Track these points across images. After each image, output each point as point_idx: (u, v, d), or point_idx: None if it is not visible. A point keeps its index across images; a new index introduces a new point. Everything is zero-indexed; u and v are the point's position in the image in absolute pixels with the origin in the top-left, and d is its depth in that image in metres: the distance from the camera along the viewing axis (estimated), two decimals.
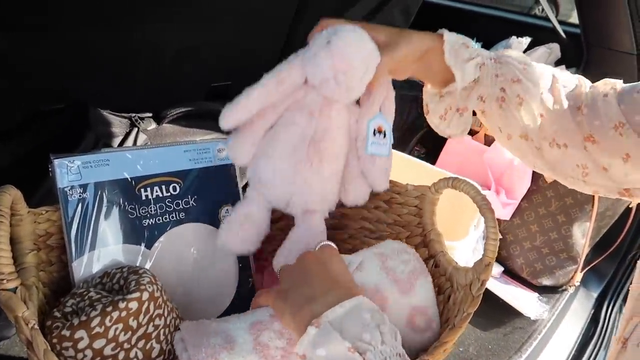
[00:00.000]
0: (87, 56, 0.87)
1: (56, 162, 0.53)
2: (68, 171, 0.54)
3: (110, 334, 0.45)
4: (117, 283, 0.51)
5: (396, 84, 0.60)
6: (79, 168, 0.54)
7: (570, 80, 0.56)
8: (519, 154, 0.59)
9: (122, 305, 0.46)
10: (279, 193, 0.56)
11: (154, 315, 0.49)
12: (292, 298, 0.45)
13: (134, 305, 0.47)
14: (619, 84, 0.53)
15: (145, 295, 0.48)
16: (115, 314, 0.45)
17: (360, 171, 0.57)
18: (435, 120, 0.60)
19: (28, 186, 0.53)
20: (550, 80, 0.55)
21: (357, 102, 0.57)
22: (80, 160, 0.54)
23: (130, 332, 0.47)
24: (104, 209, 0.55)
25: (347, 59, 0.49)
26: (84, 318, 0.45)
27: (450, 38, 0.54)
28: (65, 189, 0.54)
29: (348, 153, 0.57)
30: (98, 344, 0.45)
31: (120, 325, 0.46)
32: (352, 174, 0.58)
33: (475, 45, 0.56)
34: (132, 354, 0.47)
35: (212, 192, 0.63)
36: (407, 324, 0.53)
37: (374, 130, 0.56)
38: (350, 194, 0.59)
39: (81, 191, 0.54)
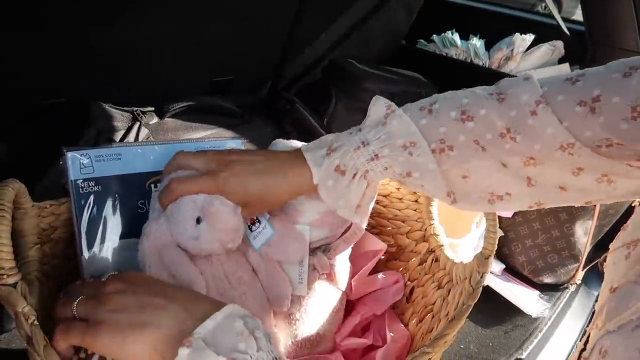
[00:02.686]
0: (88, 52, 0.87)
1: (69, 154, 0.54)
2: (81, 164, 0.54)
3: None
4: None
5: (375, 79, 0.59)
6: (92, 161, 0.55)
7: (476, 105, 0.47)
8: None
9: None
10: None
11: None
12: (142, 317, 0.38)
13: None
14: (537, 92, 0.45)
15: None
16: None
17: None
18: None
19: (30, 180, 0.53)
20: (453, 130, 0.48)
21: None
22: (92, 153, 0.55)
23: None
24: (114, 203, 0.56)
25: (223, 236, 0.50)
26: None
27: (321, 175, 0.49)
28: (77, 182, 0.54)
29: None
30: None
31: None
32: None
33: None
34: None
35: None
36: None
37: (249, 227, 0.56)
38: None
39: (93, 184, 0.54)
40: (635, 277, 0.36)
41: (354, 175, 0.49)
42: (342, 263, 0.61)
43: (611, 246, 0.43)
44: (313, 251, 0.56)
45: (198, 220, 0.49)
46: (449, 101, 0.49)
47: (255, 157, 0.51)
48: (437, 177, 0.48)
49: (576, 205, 0.51)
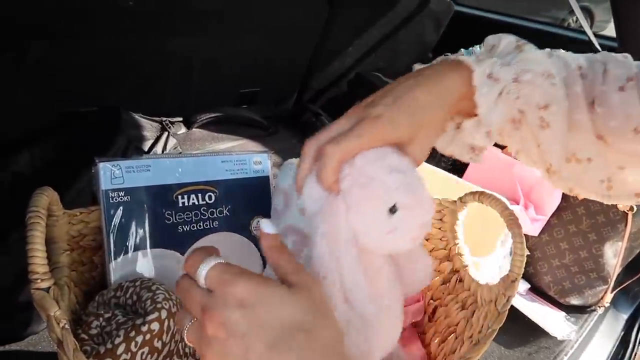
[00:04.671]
0: (121, 63, 0.89)
1: (100, 165, 0.55)
2: (112, 175, 0.55)
3: (138, 358, 0.45)
4: (130, 298, 0.51)
5: None
6: (122, 172, 0.56)
7: (591, 65, 0.46)
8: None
9: (144, 328, 0.46)
10: None
11: (174, 331, 0.49)
12: None
13: (155, 326, 0.47)
14: (632, 70, 0.44)
15: (164, 314, 0.48)
16: (139, 338, 0.46)
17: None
18: None
19: (61, 186, 0.54)
20: (576, 84, 0.46)
21: None
22: (123, 164, 0.56)
23: (156, 354, 0.47)
24: (142, 213, 0.57)
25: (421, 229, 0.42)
26: (109, 346, 0.45)
27: (480, 78, 0.44)
28: (108, 192, 0.55)
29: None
30: None
31: (146, 349, 0.46)
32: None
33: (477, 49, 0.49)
34: None
35: (246, 203, 0.64)
36: None
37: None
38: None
39: (122, 194, 0.56)
40: None
41: (501, 90, 0.44)
42: None
43: None
44: None
45: (392, 210, 0.40)
46: (565, 54, 0.48)
47: (397, 82, 0.44)
48: (581, 108, 0.45)
49: (630, 203, 0.48)
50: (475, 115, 0.45)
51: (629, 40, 1.25)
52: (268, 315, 0.31)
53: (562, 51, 0.48)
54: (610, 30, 1.35)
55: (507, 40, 0.47)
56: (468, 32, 1.67)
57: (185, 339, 0.34)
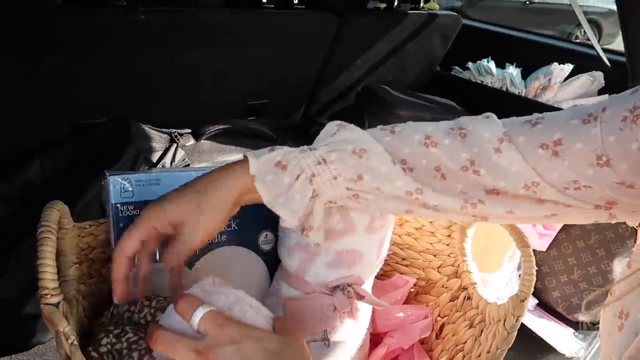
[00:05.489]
0: (131, 75, 0.90)
1: (110, 178, 0.55)
2: (122, 188, 0.56)
3: None
4: (144, 318, 0.51)
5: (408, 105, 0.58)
6: (132, 186, 0.56)
7: (440, 135, 0.46)
8: None
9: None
10: None
11: None
12: None
13: None
14: (499, 131, 0.44)
15: None
16: None
17: None
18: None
19: (71, 197, 0.55)
20: (422, 159, 0.46)
21: None
22: (133, 178, 0.56)
23: None
24: None
25: None
26: None
27: (259, 167, 0.46)
28: (117, 205, 0.55)
29: None
30: None
31: None
32: None
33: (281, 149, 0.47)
34: None
35: (254, 217, 0.64)
36: None
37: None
38: None
39: (132, 208, 0.56)
40: (635, 352, 0.35)
41: (298, 175, 0.45)
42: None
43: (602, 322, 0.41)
44: (332, 290, 0.56)
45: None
46: (412, 127, 0.48)
47: (190, 185, 0.48)
48: (394, 177, 0.46)
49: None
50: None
51: (637, 55, 1.25)
52: (253, 348, 0.38)
53: (408, 125, 0.48)
54: (618, 44, 1.35)
55: (327, 128, 0.48)
56: (475, 45, 1.68)
57: None
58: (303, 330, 0.55)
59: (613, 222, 0.45)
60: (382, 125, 0.49)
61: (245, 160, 0.47)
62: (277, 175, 0.45)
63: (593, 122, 0.40)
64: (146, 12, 0.80)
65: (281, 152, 0.46)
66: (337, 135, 0.47)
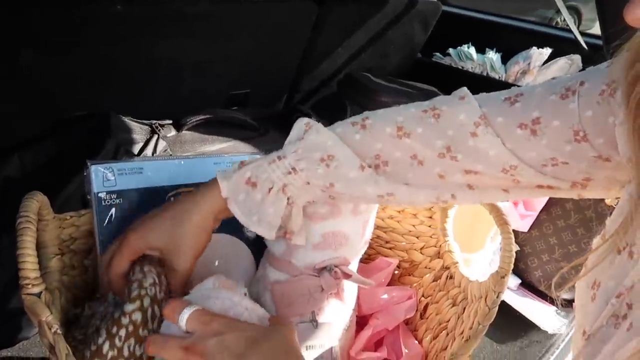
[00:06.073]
0: (110, 67, 0.89)
1: (92, 168, 0.55)
2: (104, 177, 0.55)
3: (125, 351, 0.44)
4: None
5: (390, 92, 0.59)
6: (114, 175, 0.56)
7: (412, 123, 0.46)
8: None
9: (124, 320, 0.44)
10: None
11: (162, 317, 0.47)
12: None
13: (137, 316, 0.45)
14: (475, 113, 0.44)
15: (147, 301, 0.46)
16: (122, 332, 0.44)
17: None
18: None
19: (51, 191, 0.54)
20: (396, 151, 0.47)
21: None
22: (115, 167, 0.56)
23: (145, 343, 0.45)
24: (135, 216, 0.56)
25: None
26: (93, 347, 0.44)
27: (230, 188, 0.48)
28: (100, 195, 0.55)
29: None
30: None
31: (132, 340, 0.44)
32: None
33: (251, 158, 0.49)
34: None
35: None
36: None
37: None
38: None
39: (115, 197, 0.56)
40: (606, 320, 0.35)
41: (269, 189, 0.47)
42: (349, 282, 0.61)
43: (577, 294, 0.42)
44: (320, 272, 0.56)
45: None
46: (382, 117, 0.48)
47: (166, 211, 0.50)
48: (360, 183, 0.47)
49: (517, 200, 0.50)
50: None
51: (613, 39, 1.27)
52: (236, 337, 0.40)
53: (379, 115, 0.48)
54: (597, 28, 1.37)
55: (296, 128, 0.50)
56: (456, 31, 1.69)
57: None
58: (291, 312, 0.56)
59: (582, 197, 0.46)
60: (353, 118, 0.49)
61: (215, 182, 0.48)
62: (249, 194, 0.47)
63: (571, 97, 0.41)
64: (124, 3, 0.79)
65: (250, 168, 0.48)
66: (305, 139, 0.48)
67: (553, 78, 0.44)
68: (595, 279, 0.38)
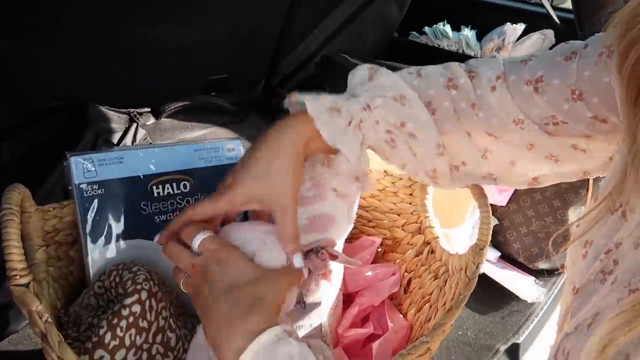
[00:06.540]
0: (84, 54, 0.88)
1: (72, 159, 0.55)
2: (84, 168, 0.55)
3: (127, 341, 0.46)
4: (113, 280, 0.52)
5: None
6: (95, 165, 0.56)
7: (458, 74, 0.50)
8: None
9: (125, 312, 0.47)
10: None
11: (159, 309, 0.50)
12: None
13: (136, 308, 0.48)
14: (499, 69, 0.48)
15: (144, 294, 0.48)
16: (123, 323, 0.46)
17: None
18: None
19: (31, 183, 0.54)
20: (446, 99, 0.49)
21: None
22: (95, 157, 0.56)
23: (144, 333, 0.48)
24: (117, 205, 0.57)
25: None
26: (95, 339, 0.46)
27: (315, 110, 0.47)
28: (82, 186, 0.55)
29: None
30: (119, 355, 0.46)
31: (133, 331, 0.47)
32: None
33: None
34: (153, 351, 0.48)
35: None
36: None
37: None
38: None
39: (96, 187, 0.56)
40: (594, 276, 0.37)
41: (350, 121, 0.48)
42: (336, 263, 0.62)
43: (569, 252, 0.44)
44: (307, 254, 0.57)
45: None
46: (434, 70, 0.51)
47: (250, 152, 0.48)
48: (431, 126, 0.49)
49: (523, 187, 0.53)
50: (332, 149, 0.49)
51: (583, 12, 1.29)
52: (232, 272, 0.43)
53: (431, 68, 0.51)
54: (569, 3, 1.38)
55: (360, 72, 0.50)
56: (431, 10, 1.69)
57: (182, 288, 0.46)
58: None
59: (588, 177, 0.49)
60: (408, 69, 0.51)
61: (299, 113, 0.48)
62: (333, 118, 0.47)
63: (574, 59, 0.44)
64: None
65: (330, 99, 0.48)
66: (374, 80, 0.49)
67: (566, 42, 0.47)
68: (587, 238, 0.40)
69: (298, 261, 0.47)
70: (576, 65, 0.43)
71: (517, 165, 0.50)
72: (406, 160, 0.51)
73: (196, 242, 0.45)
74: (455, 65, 0.51)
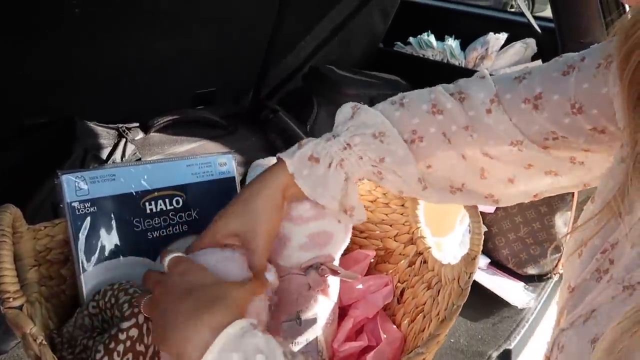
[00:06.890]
0: (71, 71, 0.87)
1: (63, 177, 0.54)
2: (76, 186, 0.55)
3: None
4: (108, 301, 0.52)
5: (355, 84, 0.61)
6: (87, 183, 0.56)
7: (443, 100, 0.50)
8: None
9: (122, 336, 0.46)
10: None
11: None
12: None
13: (133, 332, 0.47)
14: (491, 91, 0.49)
15: (141, 318, 0.48)
16: (120, 347, 0.46)
17: None
18: None
19: (21, 200, 0.54)
20: (431, 126, 0.50)
21: None
22: (87, 175, 0.56)
23: (141, 356, 0.47)
24: (110, 223, 0.57)
25: None
26: None
27: (294, 165, 0.51)
28: (73, 204, 0.55)
29: None
30: None
31: (130, 355, 0.46)
32: None
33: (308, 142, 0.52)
34: None
35: (214, 204, 0.64)
36: None
37: None
38: None
39: (89, 205, 0.55)
40: (589, 275, 0.38)
41: (329, 164, 0.50)
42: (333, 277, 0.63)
43: (565, 251, 0.45)
44: (306, 270, 0.57)
45: None
46: (417, 96, 0.52)
47: (236, 197, 0.53)
48: (410, 162, 0.50)
49: (525, 201, 0.55)
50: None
51: (564, 21, 1.32)
52: (193, 278, 0.44)
53: (414, 94, 0.53)
54: (550, 12, 1.41)
55: (344, 110, 0.53)
56: (415, 20, 1.72)
57: (142, 311, 0.46)
58: (280, 311, 0.57)
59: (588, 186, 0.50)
60: (391, 98, 0.53)
61: (279, 163, 0.51)
62: (312, 169, 0.50)
63: (572, 72, 0.44)
64: (82, 5, 0.77)
65: (310, 146, 0.51)
66: (355, 118, 0.52)
67: (559, 56, 0.48)
68: (583, 238, 0.41)
69: (165, 263, 0.47)
70: (574, 79, 0.44)
71: (515, 182, 0.51)
72: (400, 186, 0.53)
73: (165, 263, 0.47)
74: (439, 90, 0.51)
